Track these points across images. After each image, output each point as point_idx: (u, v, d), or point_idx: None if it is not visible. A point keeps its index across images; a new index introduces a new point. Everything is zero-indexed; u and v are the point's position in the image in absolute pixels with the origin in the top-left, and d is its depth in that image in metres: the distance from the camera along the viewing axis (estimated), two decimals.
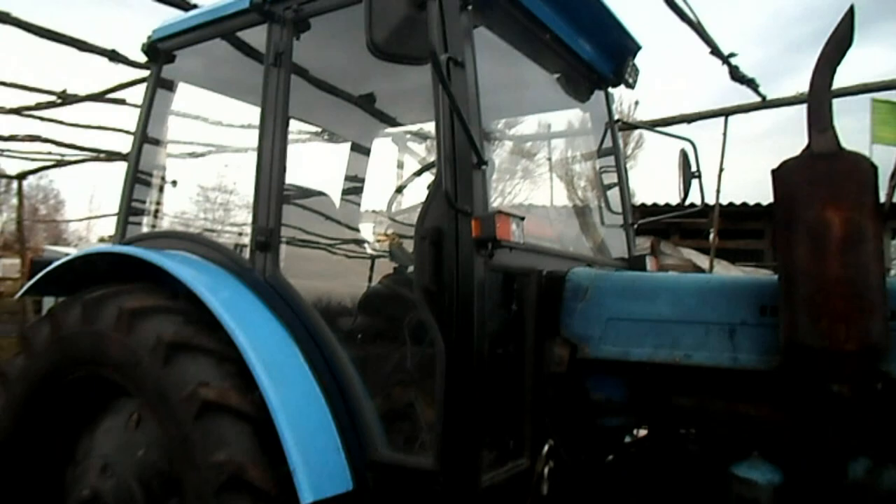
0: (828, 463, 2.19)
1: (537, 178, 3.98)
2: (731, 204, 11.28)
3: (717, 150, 7.67)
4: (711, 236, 10.11)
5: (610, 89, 3.79)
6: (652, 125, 6.78)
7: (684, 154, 3.75)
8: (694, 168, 3.75)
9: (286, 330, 2.66)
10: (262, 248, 2.80)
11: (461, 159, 2.29)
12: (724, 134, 7.47)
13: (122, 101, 8.36)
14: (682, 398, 2.44)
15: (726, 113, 7.40)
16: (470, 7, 2.41)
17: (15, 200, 16.38)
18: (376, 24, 1.80)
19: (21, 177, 15.12)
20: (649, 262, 3.58)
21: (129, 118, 8.59)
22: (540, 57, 3.28)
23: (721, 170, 7.83)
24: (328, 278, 3.22)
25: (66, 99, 8.13)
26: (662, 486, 2.52)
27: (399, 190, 3.71)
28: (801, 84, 6.60)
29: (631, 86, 3.68)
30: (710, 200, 8.89)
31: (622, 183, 3.75)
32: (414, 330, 2.51)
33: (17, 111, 8.74)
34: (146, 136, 3.49)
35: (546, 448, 2.49)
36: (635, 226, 3.72)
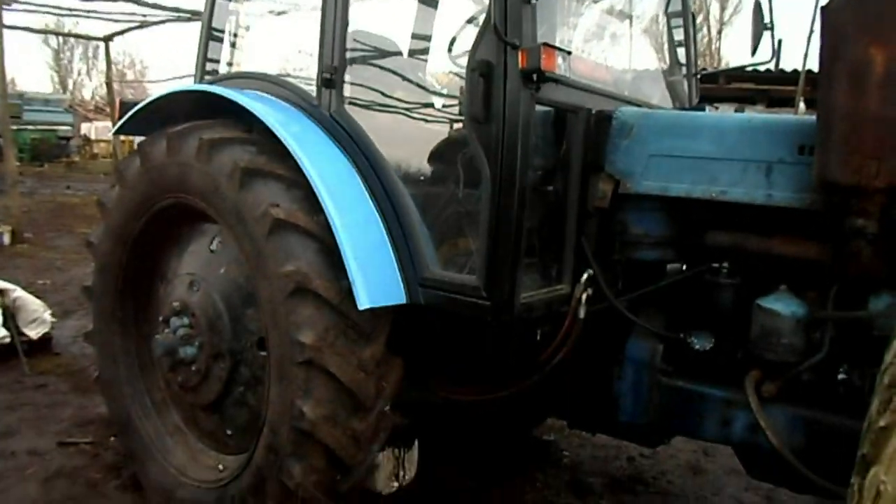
0: (848, 298, 2.30)
1: (606, 32, 3.92)
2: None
3: (808, 11, 7.22)
4: (802, 106, 9.70)
5: None
6: None
7: (758, 5, 3.63)
8: (767, 20, 3.63)
9: (349, 161, 2.87)
10: (328, 85, 2.97)
11: None
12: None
13: None
14: (718, 234, 2.56)
15: None
16: None
17: (103, 65, 17.07)
18: None
19: (108, 39, 15.64)
20: (709, 111, 3.58)
21: None
22: None
23: (811, 32, 7.42)
24: (394, 114, 3.39)
25: None
26: (693, 316, 2.69)
27: (460, 32, 3.76)
28: None
29: None
30: (791, 64, 8.46)
31: (689, 36, 3.70)
32: (467, 162, 2.67)
33: None
34: None
35: (585, 276, 2.67)
36: (697, 75, 3.69)
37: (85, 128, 36.52)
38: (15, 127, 26.46)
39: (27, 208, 13.54)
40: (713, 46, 27.86)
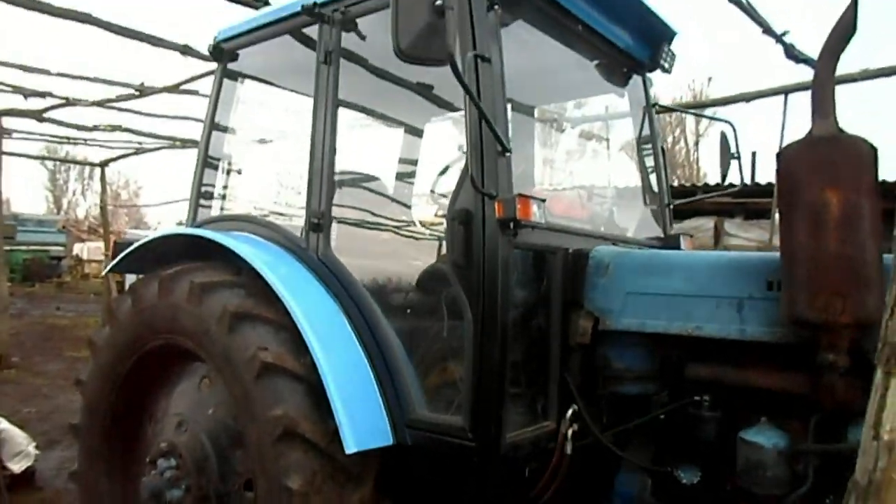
0: (828, 428, 2.34)
1: (577, 161, 4.14)
2: None
3: (776, 130, 7.61)
4: (776, 216, 9.99)
5: (649, 74, 3.93)
6: (701, 106, 6.78)
7: (724, 136, 3.87)
8: (733, 150, 3.86)
9: (336, 303, 2.96)
10: (315, 230, 3.10)
11: (487, 147, 2.51)
12: (784, 113, 7.40)
13: (195, 93, 8.88)
14: (696, 367, 2.62)
15: (786, 91, 7.32)
16: (497, 7, 2.63)
17: (98, 186, 17.47)
18: (402, 31, 2.05)
19: (104, 164, 16.09)
20: (683, 242, 3.72)
21: (202, 107, 9.16)
22: (575, 45, 3.45)
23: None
24: (378, 256, 3.51)
25: (143, 91, 8.71)
26: (678, 450, 2.71)
27: (443, 173, 3.96)
28: (866, 61, 6.48)
29: (667, 70, 3.81)
30: (761, 180, 8.84)
31: (659, 165, 3.90)
32: (450, 303, 2.76)
33: (99, 103, 9.39)
34: (214, 127, 3.84)
35: (570, 412, 2.71)
36: (671, 206, 3.86)
37: (77, 248, 36.83)
38: (8, 248, 26.79)
39: (16, 331, 13.45)
40: (691, 157, 28.94)
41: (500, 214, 2.44)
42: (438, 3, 2.04)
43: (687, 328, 2.54)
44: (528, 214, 2.47)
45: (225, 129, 3.90)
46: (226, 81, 3.85)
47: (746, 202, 10.92)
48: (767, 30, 5.79)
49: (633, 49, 3.67)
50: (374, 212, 3.80)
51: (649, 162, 3.96)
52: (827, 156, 2.19)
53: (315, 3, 3.11)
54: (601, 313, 2.73)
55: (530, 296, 2.80)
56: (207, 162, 3.86)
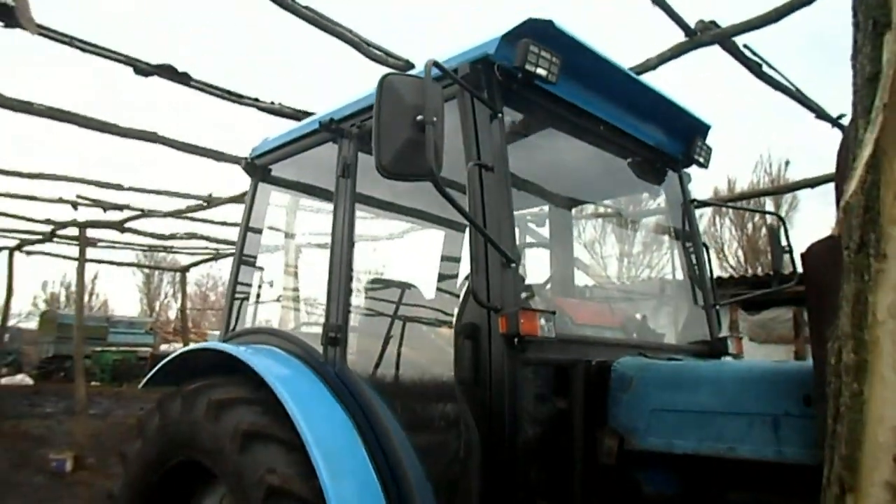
0: None
1: (618, 261, 3.98)
2: None
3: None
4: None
5: (685, 169, 3.79)
6: (782, 191, 6.51)
7: (773, 230, 3.65)
8: (784, 243, 3.64)
9: (351, 421, 2.84)
10: (332, 343, 3.03)
11: (491, 258, 2.41)
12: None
13: None
14: (733, 492, 2.35)
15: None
16: (501, 115, 2.58)
17: (188, 290, 18.32)
18: (384, 147, 2.01)
19: (185, 270, 16.84)
20: (732, 345, 3.45)
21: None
22: (602, 144, 3.37)
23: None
24: (401, 368, 3.39)
25: (211, 202, 9.12)
26: None
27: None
28: None
29: (703, 165, 3.66)
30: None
31: (702, 263, 3.69)
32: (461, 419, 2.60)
33: (171, 214, 9.88)
34: (248, 231, 3.92)
35: None
36: (717, 307, 3.62)
37: (163, 348, 38.26)
38: (99, 349, 28.09)
39: (97, 431, 13.80)
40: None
41: (504, 329, 2.31)
42: (419, 118, 2.00)
43: (719, 449, 2.29)
44: (533, 329, 2.32)
45: (259, 234, 3.97)
46: (262, 191, 3.96)
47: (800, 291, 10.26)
48: (820, 114, 5.57)
49: (665, 145, 3.56)
50: (407, 319, 3.72)
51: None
52: None
53: (332, 120, 3.16)
54: (626, 432, 2.51)
55: (551, 413, 2.61)
56: (242, 273, 3.92)
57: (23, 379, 25.14)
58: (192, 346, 3.59)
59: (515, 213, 4.49)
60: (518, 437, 2.33)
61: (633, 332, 3.20)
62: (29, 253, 14.84)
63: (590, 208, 4.30)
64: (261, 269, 3.93)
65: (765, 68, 4.80)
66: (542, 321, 2.35)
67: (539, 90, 2.80)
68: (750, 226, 26.78)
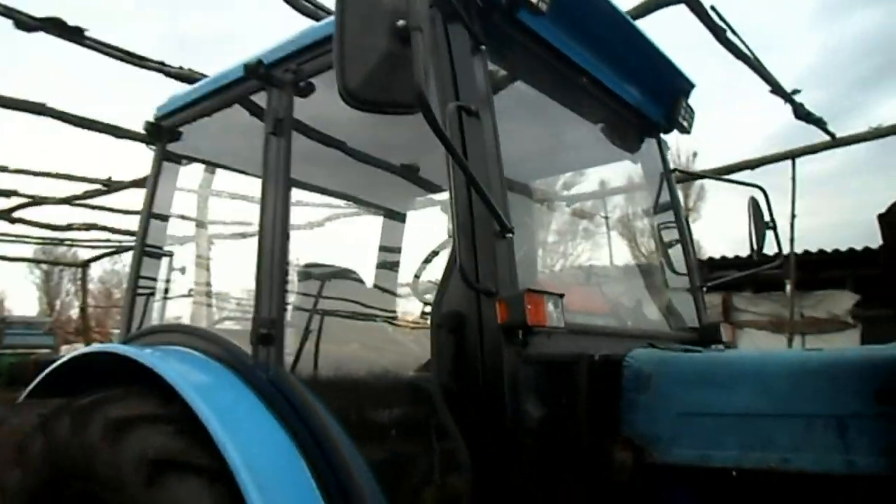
0: None
1: (587, 242, 3.52)
2: (806, 252, 10.41)
3: (784, 196, 7.11)
4: (788, 288, 9.36)
5: (663, 136, 3.35)
6: (714, 174, 6.27)
7: (755, 203, 3.27)
8: (767, 217, 3.26)
9: (290, 438, 2.25)
10: (265, 342, 2.42)
11: (481, 227, 1.87)
12: (794, 178, 6.89)
13: None
14: None
15: (794, 155, 6.85)
16: (484, 47, 2.04)
17: (91, 286, 16.96)
18: (349, 65, 1.43)
19: (84, 265, 15.53)
20: (724, 332, 3.04)
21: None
22: (579, 104, 2.88)
23: (793, 216, 7.24)
24: (351, 369, 2.80)
25: (111, 186, 8.17)
26: None
27: (427, 262, 3.31)
28: (872, 119, 6.05)
29: (686, 130, 3.24)
30: (786, 250, 8.26)
31: (685, 240, 3.26)
32: (441, 434, 2.06)
33: (66, 201, 8.84)
34: (151, 217, 3.23)
35: None
36: (704, 288, 3.21)
37: (65, 349, 35.89)
38: None
39: None
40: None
41: (504, 318, 1.77)
42: (401, 23, 1.43)
43: (769, 461, 1.82)
44: (541, 318, 1.79)
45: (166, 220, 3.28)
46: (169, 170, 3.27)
47: (756, 273, 10.29)
48: (777, 89, 5.30)
49: (646, 106, 3.10)
50: (353, 314, 3.13)
51: (668, 237, 3.34)
52: None
53: (260, 63, 2.53)
54: (645, 442, 2.02)
55: (547, 422, 2.09)
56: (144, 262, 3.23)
57: None
58: (83, 349, 2.89)
59: None
60: (520, 454, 1.80)
61: (625, 319, 2.73)
62: None
63: (557, 180, 3.81)
64: (169, 254, 3.25)
65: (729, 34, 4.45)
66: (550, 307, 1.82)
67: (523, 29, 2.29)
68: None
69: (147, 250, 3.27)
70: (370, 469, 2.17)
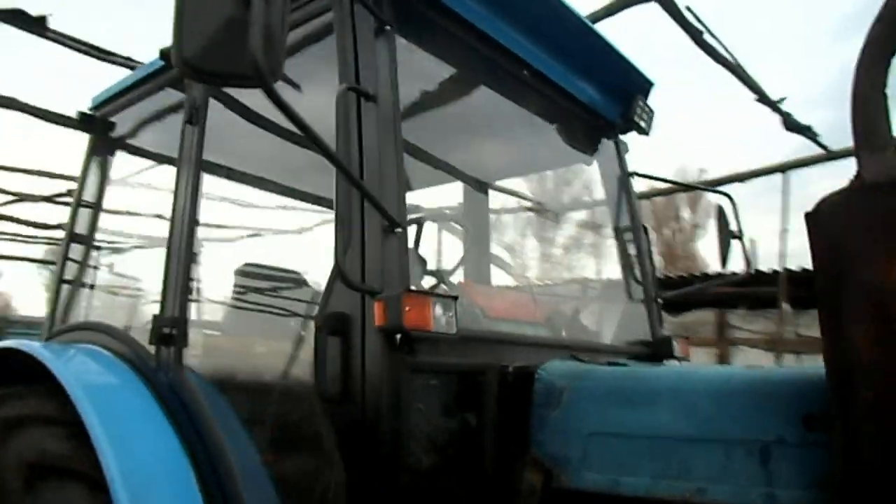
0: None
1: (542, 246, 3.34)
2: (804, 270, 10.13)
3: (776, 210, 6.91)
4: (784, 307, 9.14)
5: (622, 136, 3.17)
6: (688, 188, 6.07)
7: (721, 212, 3.09)
8: (734, 227, 3.08)
9: (182, 444, 2.07)
10: (165, 342, 2.26)
11: (368, 218, 1.71)
12: (784, 191, 6.70)
13: None
14: None
15: (784, 168, 6.64)
16: (389, 28, 1.88)
17: None
18: (187, 31, 1.26)
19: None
20: (677, 346, 2.85)
21: None
22: (527, 100, 2.72)
23: (784, 230, 7.04)
24: (262, 372, 2.62)
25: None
26: None
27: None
28: None
29: (644, 131, 3.06)
30: (763, 267, 8.09)
31: (642, 249, 3.08)
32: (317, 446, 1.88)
33: (49, 199, 8.74)
34: (80, 206, 3.09)
35: None
36: (658, 300, 3.02)
37: None
38: None
39: None
40: (690, 248, 28.14)
41: (381, 321, 1.60)
42: None
43: (684, 491, 1.64)
44: (423, 321, 1.61)
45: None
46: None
47: (750, 291, 10.06)
48: (763, 97, 5.12)
49: (599, 105, 2.93)
50: (276, 312, 2.96)
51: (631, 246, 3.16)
52: (889, 210, 1.36)
53: None
54: (554, 463, 1.83)
55: (451, 438, 1.91)
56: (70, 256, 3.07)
57: None
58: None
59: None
60: (401, 475, 1.62)
61: (561, 329, 2.54)
62: None
63: (508, 183, 3.62)
64: (97, 248, 3.09)
65: (706, 37, 4.27)
66: (438, 310, 1.64)
67: (445, 12, 2.13)
68: (671, 228, 27.03)
69: (77, 237, 3.13)
70: (257, 478, 2.00)
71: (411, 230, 2.98)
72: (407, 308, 1.56)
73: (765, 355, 10.37)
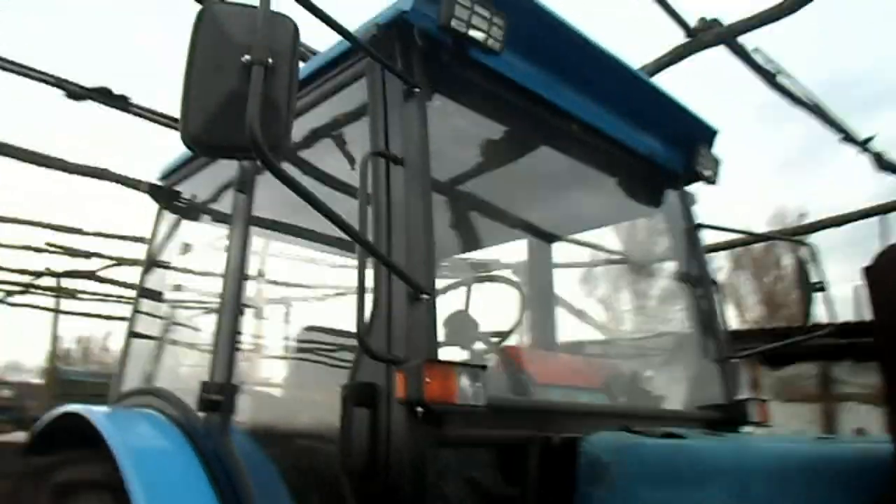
0: None
1: (602, 305, 3.21)
2: None
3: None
4: None
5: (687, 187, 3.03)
6: (771, 238, 5.75)
7: (801, 263, 2.88)
8: (815, 279, 2.86)
9: None
10: (212, 409, 2.25)
11: (395, 285, 1.65)
12: (883, 235, 6.24)
13: None
14: None
15: (882, 210, 6.19)
16: (417, 90, 1.86)
17: None
18: (194, 109, 1.26)
19: None
20: (754, 410, 2.63)
21: None
22: (576, 152, 2.64)
23: None
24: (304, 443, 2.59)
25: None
26: None
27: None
28: None
29: (710, 180, 2.91)
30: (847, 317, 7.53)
31: (711, 305, 2.89)
32: None
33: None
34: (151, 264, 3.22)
35: None
36: (729, 360, 2.80)
37: None
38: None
39: None
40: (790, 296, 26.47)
41: (401, 394, 1.53)
42: (246, 58, 1.27)
43: None
44: (447, 392, 1.52)
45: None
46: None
47: (857, 342, 9.36)
48: (847, 136, 4.82)
49: (660, 155, 2.81)
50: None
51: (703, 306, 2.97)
52: None
53: None
54: None
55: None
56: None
57: (23, 436, 24.16)
58: (61, 409, 2.82)
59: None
60: None
61: (620, 395, 2.39)
62: (12, 304, 14.30)
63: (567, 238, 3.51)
64: (170, 304, 3.20)
65: (780, 78, 4.08)
66: (465, 380, 1.56)
67: (484, 70, 2.09)
68: (772, 276, 25.52)
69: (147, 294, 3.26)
70: None
71: (460, 292, 2.93)
72: (428, 379, 1.49)
73: (875, 410, 9.60)
